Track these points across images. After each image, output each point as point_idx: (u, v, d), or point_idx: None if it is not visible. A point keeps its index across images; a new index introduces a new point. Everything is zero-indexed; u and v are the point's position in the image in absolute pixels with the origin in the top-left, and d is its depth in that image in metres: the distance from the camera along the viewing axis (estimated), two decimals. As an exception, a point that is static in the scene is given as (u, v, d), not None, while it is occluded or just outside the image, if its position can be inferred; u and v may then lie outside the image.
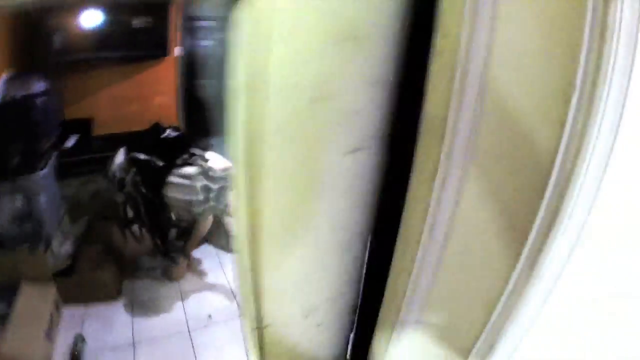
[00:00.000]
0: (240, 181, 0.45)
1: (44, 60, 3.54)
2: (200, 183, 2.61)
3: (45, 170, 2.56)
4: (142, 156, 2.69)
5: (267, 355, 0.52)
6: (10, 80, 2.81)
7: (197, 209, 2.62)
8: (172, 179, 2.63)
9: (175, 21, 4.16)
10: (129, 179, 2.65)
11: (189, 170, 2.66)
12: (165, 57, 4.22)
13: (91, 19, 3.67)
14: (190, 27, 4.17)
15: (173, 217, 2.73)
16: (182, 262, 3.01)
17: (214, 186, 2.62)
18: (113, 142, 3.74)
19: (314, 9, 0.37)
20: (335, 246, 0.48)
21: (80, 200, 3.45)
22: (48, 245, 2.65)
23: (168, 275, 2.97)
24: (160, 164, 2.66)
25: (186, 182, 2.61)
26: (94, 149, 3.74)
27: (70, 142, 3.77)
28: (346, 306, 0.54)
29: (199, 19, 4.22)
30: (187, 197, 2.59)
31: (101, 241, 3.05)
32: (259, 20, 0.39)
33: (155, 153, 2.69)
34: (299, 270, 0.46)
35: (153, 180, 2.65)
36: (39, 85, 2.95)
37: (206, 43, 3.64)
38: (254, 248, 0.44)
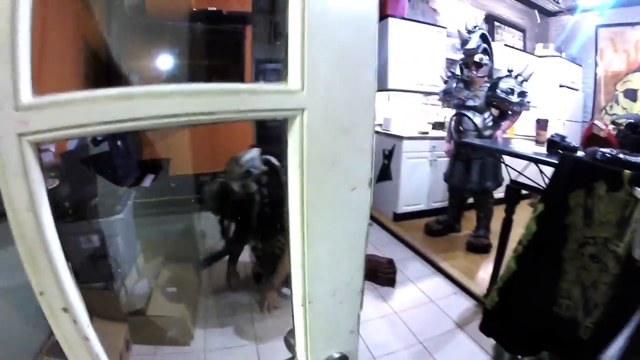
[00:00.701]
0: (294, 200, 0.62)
1: None
2: None
3: (123, 213, 2.55)
4: (274, 161, 2.66)
5: (309, 327, 0.70)
6: None
7: None
8: None
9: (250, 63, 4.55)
10: (256, 175, 2.61)
11: None
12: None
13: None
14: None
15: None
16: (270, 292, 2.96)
17: None
18: (189, 182, 3.84)
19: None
20: (348, 246, 0.70)
21: (155, 240, 3.44)
22: (122, 284, 2.64)
23: (261, 306, 2.94)
24: None
25: None
26: (170, 189, 3.76)
27: (147, 182, 3.81)
28: (356, 289, 0.75)
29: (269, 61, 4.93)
30: None
31: (176, 282, 2.98)
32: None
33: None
34: (327, 262, 0.67)
35: (278, 185, 2.59)
36: None
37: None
38: (303, 247, 0.64)
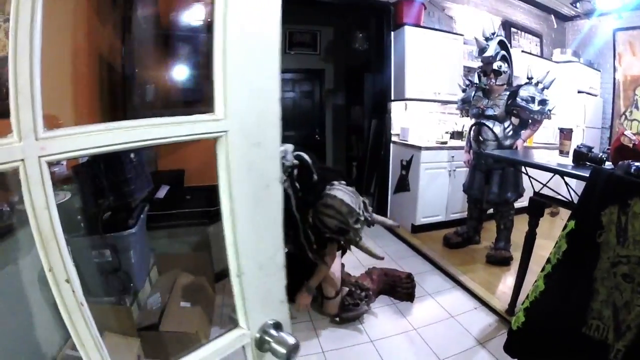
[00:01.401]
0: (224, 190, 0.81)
1: (139, 112, 3.69)
2: (360, 201, 2.67)
3: (136, 227, 2.50)
4: (306, 157, 2.62)
5: (245, 296, 0.86)
6: None
7: (351, 222, 2.56)
8: (336, 185, 2.66)
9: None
10: (287, 168, 2.55)
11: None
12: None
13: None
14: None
15: (318, 223, 2.60)
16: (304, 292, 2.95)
17: (365, 214, 2.70)
18: (203, 193, 3.81)
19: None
20: (267, 230, 0.89)
21: (169, 253, 3.40)
22: (135, 299, 2.58)
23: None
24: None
25: (351, 193, 2.64)
26: (184, 201, 3.73)
27: (162, 193, 3.80)
28: (279, 264, 0.92)
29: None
30: (352, 205, 2.57)
31: (190, 296, 2.92)
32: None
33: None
34: (253, 241, 0.85)
35: (309, 182, 2.60)
36: None
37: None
38: (233, 229, 0.82)
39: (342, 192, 2.59)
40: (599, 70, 6.72)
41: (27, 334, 1.99)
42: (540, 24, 6.97)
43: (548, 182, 2.92)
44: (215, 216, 3.36)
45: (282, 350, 0.85)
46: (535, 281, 2.11)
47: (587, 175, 2.04)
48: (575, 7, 6.20)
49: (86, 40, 3.27)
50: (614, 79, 6.61)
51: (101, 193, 2.41)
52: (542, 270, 2.07)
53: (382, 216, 3.64)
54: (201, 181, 4.20)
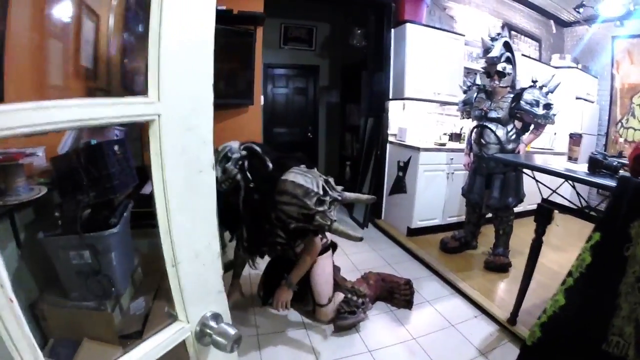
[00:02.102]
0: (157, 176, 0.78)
1: None
2: (320, 180, 2.36)
3: (118, 226, 2.30)
4: (255, 147, 2.45)
5: (182, 287, 0.84)
6: None
7: (311, 204, 2.27)
8: (292, 169, 2.39)
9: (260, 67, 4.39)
10: (235, 160, 2.39)
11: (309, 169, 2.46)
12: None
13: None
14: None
15: (281, 215, 2.38)
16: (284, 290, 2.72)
17: (330, 192, 2.37)
18: None
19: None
20: (202, 217, 0.88)
21: (155, 254, 3.21)
22: (116, 303, 2.40)
23: (275, 303, 2.70)
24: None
25: (307, 173, 2.37)
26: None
27: (148, 189, 3.62)
28: (215, 253, 0.91)
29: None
30: (306, 185, 2.29)
31: None
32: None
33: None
34: (187, 229, 0.84)
35: (263, 169, 2.40)
36: (116, 131, 2.78)
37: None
38: (167, 217, 0.80)
39: (294, 173, 2.35)
40: (597, 77, 6.69)
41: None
42: (539, 28, 6.94)
43: (558, 188, 2.80)
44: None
45: (224, 342, 0.84)
46: (554, 295, 1.97)
47: (614, 185, 1.91)
48: (578, 12, 6.10)
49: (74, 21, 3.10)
50: (612, 86, 6.59)
51: (80, 188, 2.22)
52: (563, 283, 1.94)
53: (378, 219, 3.47)
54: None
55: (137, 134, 4.09)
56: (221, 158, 2.36)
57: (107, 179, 2.26)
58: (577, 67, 6.38)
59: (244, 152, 2.41)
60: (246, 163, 2.38)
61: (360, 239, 2.35)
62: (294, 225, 2.37)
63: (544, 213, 2.85)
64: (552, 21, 6.93)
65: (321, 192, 2.30)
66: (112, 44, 3.08)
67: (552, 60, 6.65)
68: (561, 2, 6.43)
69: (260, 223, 2.47)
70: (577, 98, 6.18)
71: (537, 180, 2.92)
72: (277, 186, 2.33)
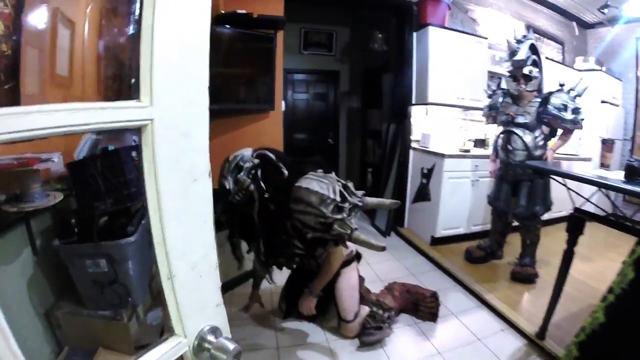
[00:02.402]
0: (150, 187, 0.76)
1: None
2: (337, 185, 2.19)
3: (136, 235, 2.24)
4: (269, 154, 2.35)
5: (178, 301, 0.81)
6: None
7: (327, 212, 2.12)
8: (308, 175, 2.25)
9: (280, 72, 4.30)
10: (247, 169, 2.29)
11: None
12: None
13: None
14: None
15: (297, 224, 2.25)
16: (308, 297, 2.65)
17: (349, 198, 2.19)
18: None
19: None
20: (198, 227, 0.84)
21: None
22: (133, 313, 2.35)
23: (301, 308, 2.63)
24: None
25: (323, 179, 2.21)
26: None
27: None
28: (212, 264, 0.88)
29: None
30: (321, 191, 2.13)
31: None
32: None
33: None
34: (183, 240, 0.81)
35: (278, 177, 2.29)
36: (134, 136, 2.72)
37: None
38: (161, 227, 0.76)
39: (308, 179, 2.21)
40: (621, 80, 6.52)
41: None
42: (562, 30, 6.80)
43: (591, 196, 2.68)
44: (222, 223, 3.15)
45: (223, 357, 0.81)
46: (593, 312, 1.86)
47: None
48: (603, 13, 5.95)
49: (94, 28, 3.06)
50: (637, 89, 6.44)
51: (97, 195, 2.17)
52: (603, 300, 1.82)
53: (401, 227, 3.36)
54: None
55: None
56: (232, 168, 2.28)
57: (124, 186, 2.20)
58: (601, 70, 6.22)
59: (256, 161, 2.31)
60: (259, 172, 2.29)
61: (383, 249, 2.18)
62: (311, 235, 2.22)
63: (577, 223, 2.73)
64: (574, 23, 6.81)
65: (338, 199, 2.14)
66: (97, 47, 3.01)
67: (575, 62, 6.51)
68: (584, 2, 6.29)
69: (277, 233, 2.36)
70: (602, 102, 6.02)
71: (568, 188, 2.81)
72: (291, 194, 2.21)
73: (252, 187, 2.25)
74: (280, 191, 2.25)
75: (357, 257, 2.85)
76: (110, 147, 2.39)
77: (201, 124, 0.81)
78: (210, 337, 0.85)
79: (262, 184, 2.26)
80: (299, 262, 2.61)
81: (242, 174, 2.25)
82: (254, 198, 2.26)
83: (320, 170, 2.31)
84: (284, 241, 2.38)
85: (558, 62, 6.31)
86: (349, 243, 2.40)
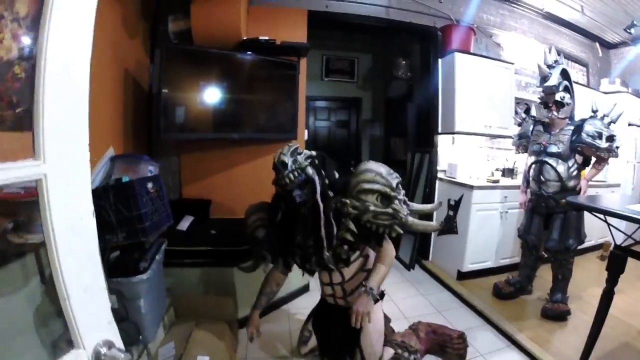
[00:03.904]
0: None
1: (165, 139, 3.46)
2: (397, 178, 2.32)
3: (149, 272, 2.16)
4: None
5: (76, 318, 0.92)
6: (117, 159, 2.54)
7: (393, 183, 2.25)
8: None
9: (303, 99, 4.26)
10: (306, 155, 2.37)
11: None
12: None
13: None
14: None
15: (357, 202, 2.27)
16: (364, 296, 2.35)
17: (401, 192, 2.32)
18: (230, 227, 3.49)
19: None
20: (87, 257, 0.98)
21: (188, 295, 3.10)
22: (144, 349, 2.23)
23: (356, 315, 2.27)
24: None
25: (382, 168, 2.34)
26: (209, 236, 3.40)
27: (185, 225, 3.49)
28: (101, 287, 1.02)
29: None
30: (379, 187, 2.25)
31: (209, 347, 2.55)
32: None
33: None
34: (75, 267, 0.94)
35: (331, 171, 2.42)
36: (150, 167, 2.63)
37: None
38: (57, 257, 0.90)
39: (366, 172, 2.33)
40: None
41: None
42: (585, 52, 6.71)
43: (633, 233, 2.49)
44: (242, 257, 3.02)
45: None
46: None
47: None
48: (629, 32, 5.80)
49: (111, 51, 3.02)
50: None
51: (109, 228, 2.08)
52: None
53: (425, 260, 3.20)
54: (229, 213, 3.94)
55: (175, 167, 4.00)
56: (292, 152, 2.31)
57: (137, 220, 2.11)
58: (627, 92, 6.07)
59: (314, 153, 2.40)
60: (316, 161, 2.37)
61: (440, 229, 2.27)
62: (368, 217, 2.25)
63: (618, 261, 2.54)
64: (597, 43, 6.69)
65: (400, 179, 2.31)
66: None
67: (601, 85, 6.38)
68: (608, 23, 6.15)
69: (330, 219, 2.32)
70: (629, 124, 5.86)
71: (609, 225, 2.62)
72: (357, 169, 2.34)
73: (310, 170, 2.30)
74: (337, 184, 2.38)
75: (381, 295, 2.67)
76: (125, 178, 2.29)
77: (84, 175, 0.97)
78: (104, 349, 0.96)
79: (322, 172, 2.35)
80: (338, 255, 2.41)
81: (300, 156, 2.32)
82: (311, 181, 2.30)
83: None
84: (324, 224, 2.32)
85: (583, 84, 6.16)
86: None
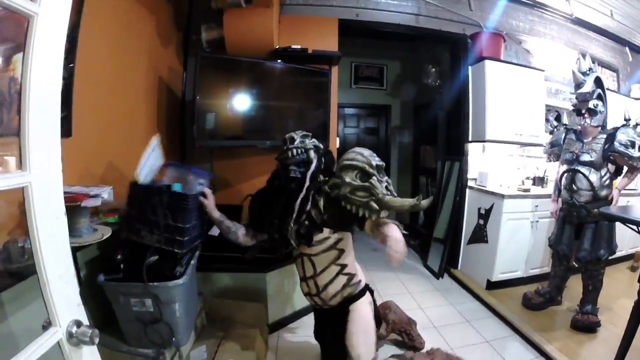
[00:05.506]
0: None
1: (199, 145, 3.54)
2: (379, 161, 2.25)
3: (184, 277, 2.20)
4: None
5: (54, 300, 1.07)
6: (170, 167, 2.59)
7: (374, 163, 2.20)
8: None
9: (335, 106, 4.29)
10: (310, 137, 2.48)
11: None
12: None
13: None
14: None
15: (338, 179, 2.24)
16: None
17: (383, 176, 2.22)
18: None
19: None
20: (62, 249, 1.14)
21: (220, 300, 3.19)
22: (176, 352, 2.30)
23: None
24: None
25: (365, 151, 2.32)
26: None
27: (217, 230, 3.54)
28: (72, 274, 1.16)
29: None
30: (358, 164, 2.20)
31: (239, 352, 2.60)
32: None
33: None
34: (54, 258, 1.09)
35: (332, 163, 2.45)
36: (201, 180, 2.65)
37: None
38: (40, 249, 1.05)
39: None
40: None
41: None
42: (615, 57, 6.55)
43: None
44: (272, 264, 3.05)
45: (86, 338, 1.10)
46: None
47: None
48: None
49: (147, 59, 3.11)
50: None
51: (148, 225, 2.18)
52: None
53: (454, 269, 3.13)
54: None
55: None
56: (303, 135, 2.43)
57: (178, 232, 2.16)
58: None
59: (321, 145, 2.48)
60: (321, 151, 2.43)
61: (423, 207, 2.07)
62: (347, 189, 2.15)
63: (652, 274, 2.51)
64: (627, 48, 6.55)
65: (382, 163, 2.25)
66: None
67: (631, 91, 6.29)
68: (637, 26, 6.07)
69: (308, 196, 2.29)
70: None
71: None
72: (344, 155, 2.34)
73: (312, 153, 2.36)
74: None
75: (370, 290, 2.55)
76: (177, 187, 2.31)
77: (57, 183, 1.12)
78: (75, 327, 1.11)
79: (322, 160, 2.40)
80: (294, 233, 2.33)
81: (309, 140, 2.42)
82: (311, 162, 2.35)
83: None
84: (302, 206, 2.27)
85: (614, 91, 6.03)
86: (359, 273, 2.44)
